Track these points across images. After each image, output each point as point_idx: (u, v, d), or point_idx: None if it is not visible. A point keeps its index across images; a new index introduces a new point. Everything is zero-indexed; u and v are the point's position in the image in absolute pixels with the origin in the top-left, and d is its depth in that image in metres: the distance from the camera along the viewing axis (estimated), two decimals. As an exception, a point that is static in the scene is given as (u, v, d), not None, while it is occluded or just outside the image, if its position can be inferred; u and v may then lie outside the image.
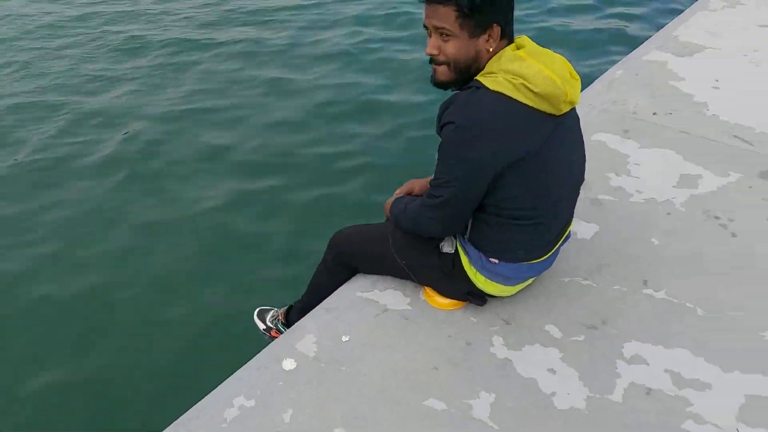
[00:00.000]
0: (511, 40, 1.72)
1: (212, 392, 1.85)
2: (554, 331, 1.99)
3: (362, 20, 5.55)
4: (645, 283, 2.16)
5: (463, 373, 1.86)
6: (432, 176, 1.80)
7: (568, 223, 2.01)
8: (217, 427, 1.73)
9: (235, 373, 1.91)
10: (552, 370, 1.86)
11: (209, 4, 6.18)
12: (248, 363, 1.94)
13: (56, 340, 2.84)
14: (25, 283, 3.11)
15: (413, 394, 1.80)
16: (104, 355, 2.76)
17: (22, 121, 4.42)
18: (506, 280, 1.97)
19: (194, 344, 2.81)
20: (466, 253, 1.94)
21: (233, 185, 3.62)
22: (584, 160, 1.94)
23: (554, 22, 5.31)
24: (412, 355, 1.92)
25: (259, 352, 1.98)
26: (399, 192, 2.20)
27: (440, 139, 1.72)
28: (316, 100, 4.40)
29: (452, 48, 1.66)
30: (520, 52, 1.66)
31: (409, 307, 2.09)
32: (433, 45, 1.69)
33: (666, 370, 1.85)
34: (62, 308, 2.99)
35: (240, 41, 5.35)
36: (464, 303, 2.07)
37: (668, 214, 2.49)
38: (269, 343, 2.06)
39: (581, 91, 3.30)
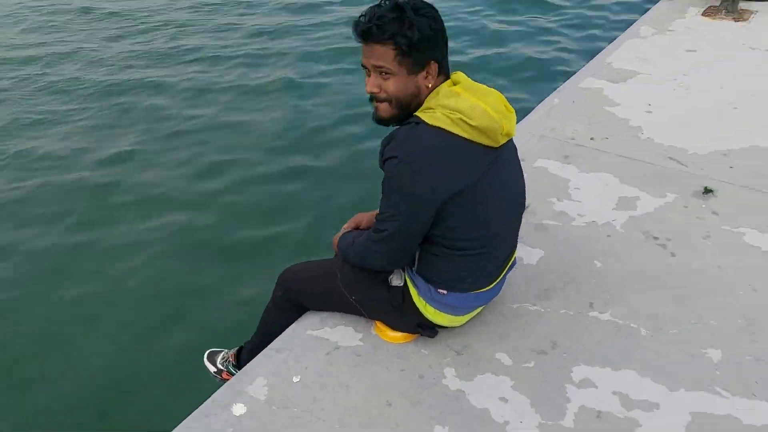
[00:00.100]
0: (447, 76, 1.76)
1: (159, 444, 1.80)
2: (505, 359, 2.01)
3: (309, 55, 5.60)
4: (591, 305, 2.21)
5: (417, 408, 1.85)
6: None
7: (513, 250, 2.04)
8: (166, 480, 1.67)
9: (183, 422, 1.85)
10: (504, 399, 1.87)
11: (152, 41, 6.13)
12: (197, 409, 1.88)
13: None
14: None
15: None
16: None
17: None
18: (456, 311, 1.98)
19: (143, 391, 2.72)
20: (415, 285, 1.95)
21: (183, 227, 3.56)
22: (524, 189, 1.98)
23: (492, 52, 5.45)
24: (365, 391, 1.90)
25: (209, 396, 1.93)
26: (346, 226, 2.21)
27: (384, 174, 1.74)
28: (263, 137, 4.38)
29: (392, 86, 1.69)
30: (457, 88, 1.70)
31: (361, 343, 2.08)
32: (373, 83, 1.71)
33: (614, 392, 1.87)
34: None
35: (186, 78, 5.31)
36: (415, 335, 2.07)
37: (609, 236, 2.55)
38: (221, 385, 2.01)
39: (520, 120, 3.44)
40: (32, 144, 4.52)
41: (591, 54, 4.52)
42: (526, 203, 2.72)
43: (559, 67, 4.98)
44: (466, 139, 1.67)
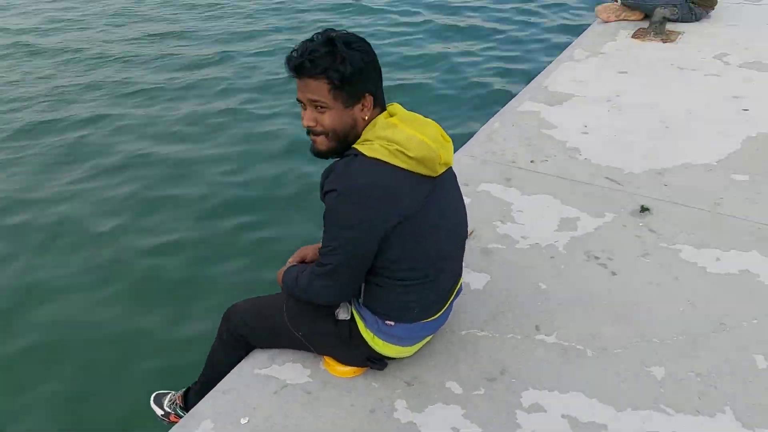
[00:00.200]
0: (383, 108, 1.77)
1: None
2: (455, 387, 2.00)
3: (252, 85, 5.55)
4: (537, 328, 2.23)
5: (368, 443, 1.82)
6: None
7: (458, 277, 2.05)
8: None
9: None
10: (455, 429, 1.86)
11: (90, 74, 5.98)
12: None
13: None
14: None
15: (318, 472, 1.74)
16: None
17: None
18: (404, 341, 1.97)
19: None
20: (362, 317, 1.93)
21: (125, 266, 3.44)
22: (465, 216, 2.00)
23: (433, 78, 5.53)
24: (315, 430, 1.86)
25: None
26: (291, 260, 2.19)
27: (324, 207, 1.74)
28: (206, 170, 4.28)
29: (328, 119, 1.69)
30: (393, 119, 1.72)
31: (310, 380, 2.04)
32: (309, 117, 1.71)
33: (563, 416, 1.89)
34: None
35: (126, 112, 5.18)
36: (365, 369, 2.05)
37: (552, 257, 2.60)
38: (169, 429, 1.95)
39: (462, 145, 3.49)
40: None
41: (529, 77, 4.63)
42: (472, 228, 2.77)
43: (499, 92, 5.08)
44: (404, 169, 1.69)
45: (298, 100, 1.72)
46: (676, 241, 2.64)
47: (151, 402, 2.40)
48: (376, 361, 2.01)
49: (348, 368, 2.04)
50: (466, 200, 2.99)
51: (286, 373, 2.06)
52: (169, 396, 2.39)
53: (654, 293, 2.37)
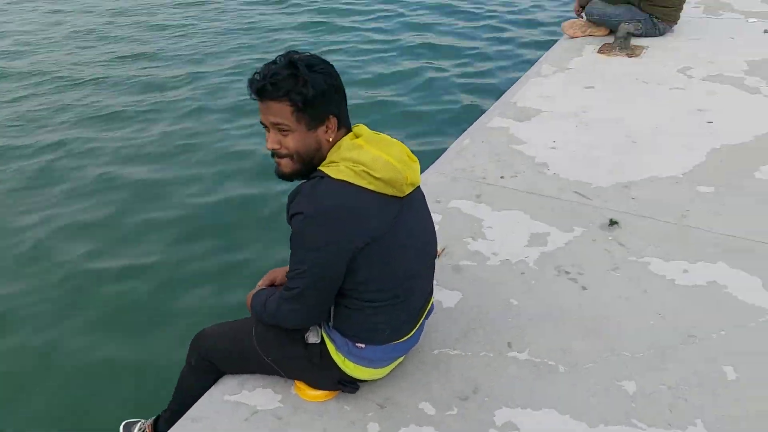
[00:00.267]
0: (349, 129, 1.78)
1: None
2: (428, 408, 1.99)
3: (214, 107, 5.50)
4: (509, 345, 2.23)
5: (340, 468, 1.80)
6: None
7: (429, 297, 2.05)
8: None
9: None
10: (429, 451, 1.85)
11: (45, 99, 5.89)
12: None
13: None
14: None
15: (290, 499, 1.71)
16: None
17: None
18: (375, 363, 1.96)
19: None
20: (332, 340, 1.92)
21: (92, 295, 3.36)
22: (434, 235, 2.00)
23: (404, 96, 5.56)
24: (286, 456, 1.84)
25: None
26: (261, 283, 2.17)
27: (291, 230, 1.73)
28: (171, 195, 4.22)
29: (292, 142, 1.69)
30: (359, 141, 1.72)
31: (281, 405, 2.01)
32: (273, 140, 1.71)
33: (536, 433, 1.89)
34: None
35: (84, 137, 5.07)
36: (336, 392, 2.03)
37: (523, 273, 2.60)
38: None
39: (434, 162, 3.50)
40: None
41: (498, 94, 4.67)
42: (443, 246, 2.77)
43: (469, 108, 5.12)
44: (371, 190, 1.68)
45: (261, 123, 1.72)
46: (645, 254, 2.67)
47: (121, 431, 2.35)
48: (347, 384, 1.99)
49: (319, 392, 2.01)
50: (438, 218, 3.01)
51: (256, 399, 2.03)
52: (138, 425, 2.34)
53: (623, 307, 2.38)
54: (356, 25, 7.47)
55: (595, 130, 3.77)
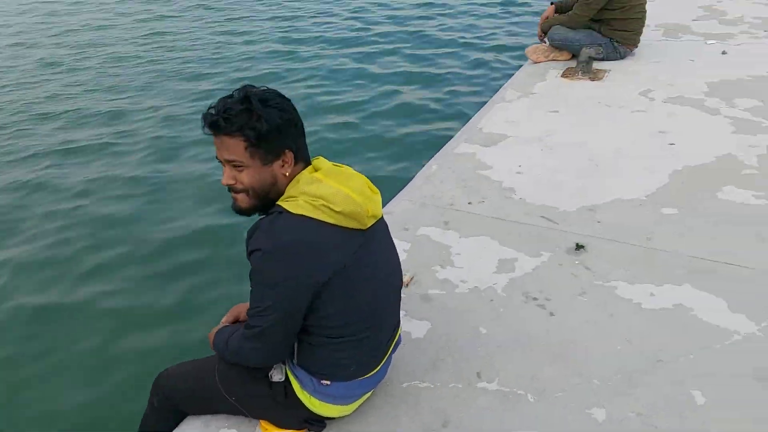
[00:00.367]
0: (307, 163, 1.76)
1: None
2: (397, 444, 1.95)
3: (176, 141, 5.42)
4: (478, 375, 2.21)
5: None
6: None
7: (396, 329, 2.03)
8: None
9: None
10: (398, 489, 1.80)
11: (14, 135, 5.80)
12: None
13: None
14: None
15: None
16: None
17: None
18: (342, 400, 1.92)
19: None
20: (297, 378, 1.88)
21: (53, 339, 3.27)
22: (398, 267, 1.98)
23: (373, 125, 5.57)
24: (251, 500, 1.78)
25: None
26: (225, 320, 2.14)
27: (251, 266, 1.70)
28: (133, 232, 4.14)
29: (247, 177, 1.67)
30: (318, 174, 1.70)
31: (246, 445, 1.96)
32: (228, 175, 1.69)
33: (506, 466, 1.86)
34: None
35: (38, 172, 4.98)
36: (304, 431, 1.98)
37: (492, 300, 2.59)
38: None
39: (401, 189, 3.49)
40: None
41: (465, 119, 4.70)
42: (412, 274, 2.75)
43: (437, 135, 5.14)
44: (331, 224, 1.66)
45: (217, 158, 1.69)
46: (611, 278, 2.67)
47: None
48: (314, 423, 1.95)
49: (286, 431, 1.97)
50: (406, 245, 3.00)
51: (220, 440, 1.98)
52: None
53: (591, 332, 2.38)
54: (319, 52, 7.48)
55: (559, 154, 3.81)
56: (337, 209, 1.64)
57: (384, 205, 3.43)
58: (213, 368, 1.98)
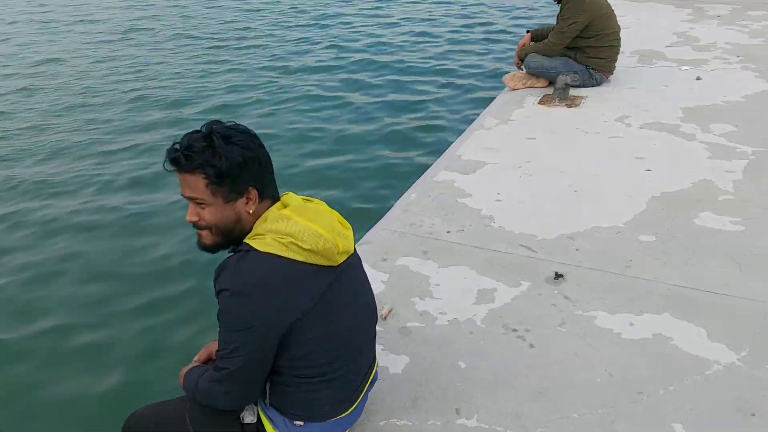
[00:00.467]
0: (275, 199, 1.72)
1: None
2: (374, 486, 1.89)
3: (140, 180, 5.30)
4: (457, 411, 2.16)
5: None
6: None
7: (372, 365, 1.98)
8: None
9: None
10: None
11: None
12: None
13: None
14: None
15: None
16: None
17: None
18: (316, 441, 1.86)
19: None
20: (270, 419, 1.83)
21: (17, 384, 3.19)
22: (373, 302, 1.94)
23: (350, 153, 5.56)
24: None
25: None
26: (197, 358, 2.08)
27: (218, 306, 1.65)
28: (97, 270, 4.06)
29: (209, 215, 1.64)
30: (286, 211, 1.66)
31: (217, 491, 1.88)
32: (191, 212, 1.66)
33: None
34: None
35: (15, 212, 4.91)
36: (277, 473, 1.91)
37: (471, 333, 2.55)
38: None
39: (380, 218, 3.46)
40: None
41: (444, 147, 4.70)
42: (390, 306, 2.71)
43: (416, 163, 5.14)
44: (300, 262, 1.62)
45: (181, 194, 1.65)
46: (591, 308, 2.65)
47: None
48: (288, 465, 1.88)
49: (258, 475, 1.90)
50: (384, 276, 2.96)
51: (191, 486, 1.90)
52: None
53: (571, 365, 2.34)
54: (297, 83, 7.45)
55: (538, 181, 3.80)
56: (306, 247, 1.61)
57: (363, 235, 3.40)
58: (184, 410, 1.91)
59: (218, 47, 9.05)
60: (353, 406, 1.88)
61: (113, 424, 2.11)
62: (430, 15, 10.08)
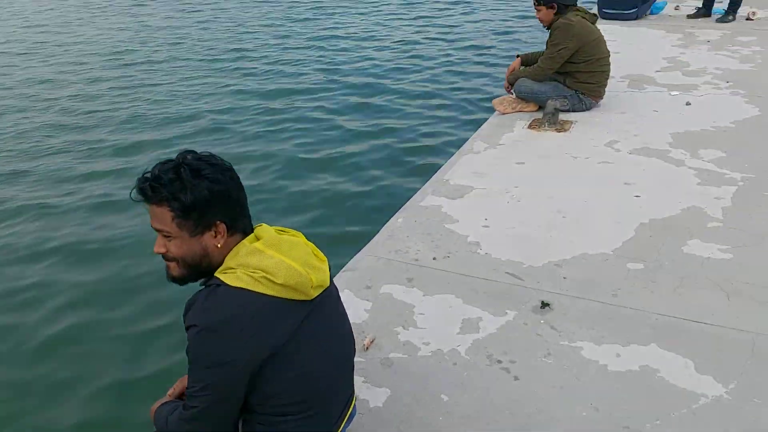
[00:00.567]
0: (246, 233, 1.68)
1: None
2: None
3: (109, 206, 5.20)
4: (439, 447, 2.10)
5: None
6: None
7: (350, 401, 1.93)
8: None
9: None
10: None
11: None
12: None
13: None
14: None
15: None
16: None
17: None
18: (290, 482, 1.79)
19: None
20: (242, 458, 1.76)
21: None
22: (350, 337, 1.90)
23: (338, 176, 5.53)
24: None
25: None
26: (170, 393, 2.02)
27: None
28: (69, 298, 4.00)
29: (175, 248, 1.61)
30: (258, 245, 1.62)
31: None
32: (159, 243, 1.64)
33: None
34: None
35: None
36: None
37: (455, 364, 2.50)
38: None
39: (366, 244, 3.41)
40: None
41: (433, 171, 4.66)
42: (373, 336, 2.65)
43: (403, 186, 5.11)
44: (273, 297, 1.58)
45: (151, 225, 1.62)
46: (576, 338, 2.60)
47: None
48: (260, 506, 1.82)
49: None
50: (368, 305, 2.91)
51: None
52: None
53: (556, 398, 2.29)
54: (285, 107, 7.41)
55: (526, 206, 3.77)
56: (279, 281, 1.56)
57: (348, 261, 3.36)
58: (154, 447, 1.85)
59: (210, 69, 9.04)
60: (329, 445, 1.82)
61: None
62: (420, 38, 10.11)
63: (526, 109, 5.35)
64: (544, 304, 2.82)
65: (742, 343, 2.54)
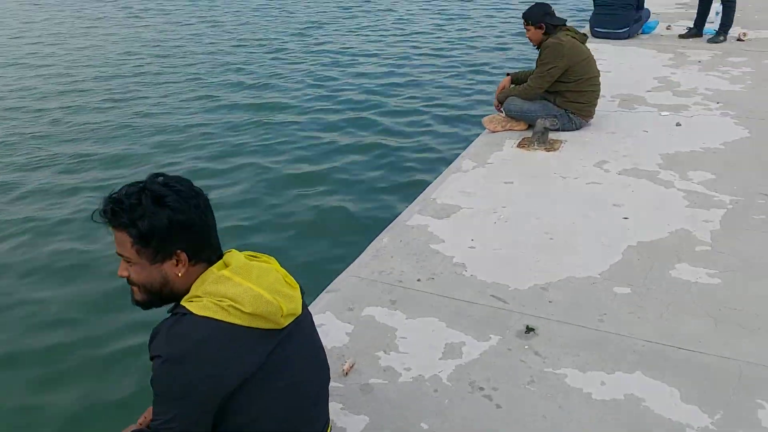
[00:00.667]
0: (212, 261, 1.62)
1: None
2: None
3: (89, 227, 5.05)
4: (417, 479, 2.03)
5: None
6: None
7: (323, 430, 1.86)
8: None
9: None
10: None
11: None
12: None
13: None
14: None
15: None
16: None
17: None
18: None
19: None
20: (211, 491, 1.69)
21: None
22: (324, 364, 1.84)
23: (324, 194, 5.49)
24: None
25: None
26: (141, 420, 1.96)
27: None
28: (42, 320, 3.91)
29: (135, 273, 1.57)
30: (226, 272, 1.57)
31: None
32: (122, 267, 1.60)
33: None
34: None
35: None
36: None
37: (436, 391, 2.44)
38: None
39: (351, 263, 3.35)
40: None
41: (420, 189, 4.62)
42: (353, 361, 2.59)
43: (390, 205, 5.07)
44: (241, 326, 1.52)
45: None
46: (561, 365, 2.55)
47: None
48: None
49: None
50: (349, 328, 2.85)
51: None
52: None
53: (539, 427, 2.23)
54: (278, 126, 7.37)
55: (513, 227, 3.72)
56: (247, 310, 1.51)
57: (331, 281, 3.30)
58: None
59: (202, 83, 9.01)
60: (302, 477, 1.76)
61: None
62: (413, 54, 10.12)
63: (515, 128, 5.32)
64: (529, 329, 2.77)
65: (728, 371, 2.49)
